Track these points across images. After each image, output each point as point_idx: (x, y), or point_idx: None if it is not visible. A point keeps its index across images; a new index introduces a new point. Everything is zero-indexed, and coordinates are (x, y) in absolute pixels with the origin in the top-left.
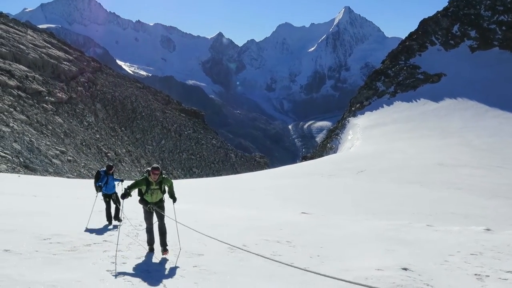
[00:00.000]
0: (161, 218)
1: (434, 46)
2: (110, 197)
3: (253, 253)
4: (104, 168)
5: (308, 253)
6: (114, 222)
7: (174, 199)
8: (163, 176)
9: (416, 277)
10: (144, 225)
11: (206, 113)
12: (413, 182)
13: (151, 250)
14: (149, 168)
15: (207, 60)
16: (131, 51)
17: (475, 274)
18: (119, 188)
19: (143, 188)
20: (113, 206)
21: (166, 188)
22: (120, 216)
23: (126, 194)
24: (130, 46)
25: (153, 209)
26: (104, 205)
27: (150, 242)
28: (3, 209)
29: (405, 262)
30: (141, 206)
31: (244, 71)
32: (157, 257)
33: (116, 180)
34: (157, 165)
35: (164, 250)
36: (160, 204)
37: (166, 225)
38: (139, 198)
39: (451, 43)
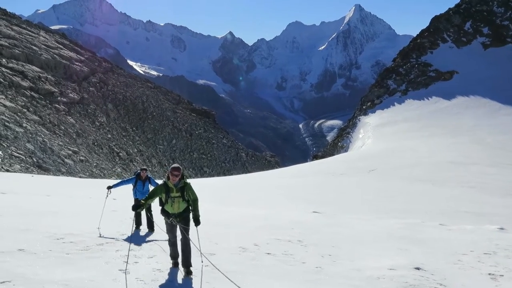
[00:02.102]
0: (185, 233)
1: (446, 44)
2: (138, 202)
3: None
4: (138, 170)
5: (319, 252)
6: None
7: (197, 221)
8: (186, 181)
9: (429, 276)
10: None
11: (216, 112)
12: (425, 180)
13: (175, 265)
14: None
15: (218, 60)
16: (142, 51)
17: (489, 274)
18: None
19: (163, 197)
20: (143, 213)
21: (190, 195)
22: (153, 225)
23: (139, 205)
24: (141, 46)
25: (176, 222)
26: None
27: (174, 256)
28: (17, 208)
29: (417, 262)
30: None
31: (254, 70)
32: (168, 257)
33: (154, 184)
34: (178, 165)
35: (188, 272)
36: (184, 215)
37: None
38: (160, 208)
39: (463, 40)
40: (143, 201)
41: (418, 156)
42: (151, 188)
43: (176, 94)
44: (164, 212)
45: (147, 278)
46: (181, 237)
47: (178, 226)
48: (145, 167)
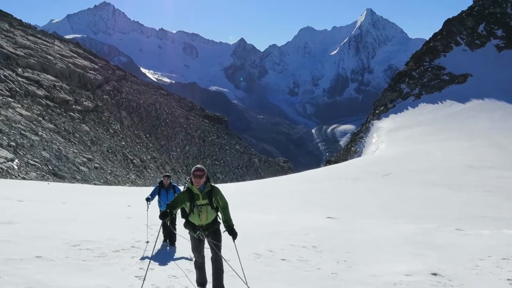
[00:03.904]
0: (216, 250)
1: (459, 46)
2: None
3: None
4: (162, 178)
5: (335, 258)
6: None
7: (232, 231)
8: (212, 184)
9: (447, 282)
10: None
11: (229, 118)
12: (440, 184)
13: None
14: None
15: (230, 66)
16: (155, 58)
17: (508, 279)
18: None
19: (187, 206)
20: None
21: (219, 201)
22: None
23: (166, 214)
24: (153, 53)
25: (204, 236)
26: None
27: (201, 282)
28: (34, 216)
29: (434, 267)
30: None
31: (266, 76)
32: (184, 263)
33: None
34: (201, 166)
35: None
36: (214, 228)
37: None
38: (184, 221)
39: (476, 43)
40: (168, 209)
41: (433, 160)
42: None
43: (188, 101)
44: (189, 224)
45: (163, 284)
46: (211, 256)
47: (206, 244)
48: (168, 173)
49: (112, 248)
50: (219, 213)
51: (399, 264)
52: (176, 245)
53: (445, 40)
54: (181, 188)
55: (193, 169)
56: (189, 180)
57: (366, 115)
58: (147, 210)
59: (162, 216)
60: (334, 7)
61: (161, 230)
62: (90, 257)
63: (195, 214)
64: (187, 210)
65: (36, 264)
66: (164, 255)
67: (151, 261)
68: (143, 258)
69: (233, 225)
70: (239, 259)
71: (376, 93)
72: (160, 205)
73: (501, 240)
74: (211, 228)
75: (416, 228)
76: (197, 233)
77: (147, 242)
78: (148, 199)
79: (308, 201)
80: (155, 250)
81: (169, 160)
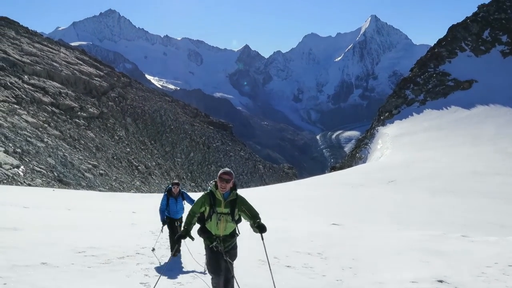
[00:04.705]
0: (229, 267)
1: (464, 52)
2: (174, 222)
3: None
4: (170, 186)
5: (340, 265)
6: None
7: (260, 226)
8: (237, 192)
9: None
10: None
11: (233, 125)
12: (446, 191)
13: None
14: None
15: (234, 73)
16: (160, 65)
17: None
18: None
19: (206, 211)
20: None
21: (247, 212)
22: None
23: (183, 236)
24: (158, 60)
25: (222, 249)
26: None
27: None
28: (40, 222)
29: (440, 274)
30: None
31: (270, 82)
32: (189, 269)
33: (189, 200)
34: (229, 169)
35: None
36: (232, 244)
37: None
38: (199, 227)
39: (481, 49)
40: (185, 227)
41: (439, 166)
42: (185, 205)
43: (193, 108)
44: (205, 232)
45: None
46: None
47: (222, 255)
48: (177, 180)
49: (117, 255)
50: (238, 226)
51: (405, 271)
52: (181, 253)
53: (450, 46)
54: (190, 194)
55: (220, 171)
56: (214, 183)
57: (370, 121)
58: (161, 231)
59: (178, 239)
60: (338, 14)
61: (170, 240)
62: (95, 263)
63: (212, 221)
64: (205, 215)
65: (42, 271)
66: (169, 262)
67: (157, 267)
68: (148, 265)
69: (256, 212)
70: (268, 264)
71: (381, 99)
72: (169, 214)
73: (507, 247)
74: (229, 242)
75: (422, 235)
76: (214, 243)
77: (153, 249)
78: (164, 222)
79: (313, 208)
80: (160, 257)
81: (174, 166)
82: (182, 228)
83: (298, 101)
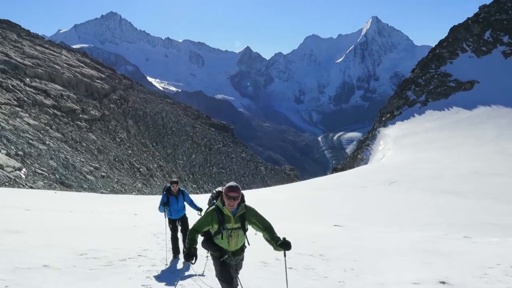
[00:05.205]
0: (240, 284)
1: (465, 53)
2: (175, 222)
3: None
4: (169, 185)
5: (342, 266)
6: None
7: (285, 244)
8: (246, 203)
9: None
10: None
11: (235, 126)
12: (448, 192)
13: None
14: (219, 189)
15: (235, 74)
16: (161, 67)
17: None
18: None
19: (213, 228)
20: (180, 234)
21: (258, 224)
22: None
23: (191, 254)
24: (160, 62)
25: (232, 264)
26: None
27: None
28: (41, 225)
29: (442, 275)
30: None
31: (272, 84)
32: (191, 272)
33: (193, 206)
34: (236, 184)
35: None
36: (241, 256)
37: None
38: (202, 239)
39: (483, 50)
40: (193, 246)
41: (441, 167)
42: (186, 204)
43: (195, 109)
44: (210, 245)
45: None
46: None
47: (234, 268)
48: (176, 179)
49: (118, 257)
50: (247, 238)
51: (407, 273)
52: (181, 255)
53: (451, 47)
54: (192, 196)
55: (226, 187)
56: (221, 200)
57: (372, 123)
58: (166, 217)
59: (187, 257)
60: (339, 15)
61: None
62: (97, 266)
63: (223, 239)
64: (212, 232)
65: (44, 273)
66: (171, 264)
67: (158, 269)
68: (149, 267)
69: (268, 222)
70: (286, 279)
71: (382, 100)
72: (170, 215)
73: (510, 248)
74: (239, 255)
75: (424, 236)
76: (226, 256)
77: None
78: (164, 210)
79: (314, 209)
80: (162, 259)
81: (175, 168)
82: (186, 246)
83: (299, 102)
